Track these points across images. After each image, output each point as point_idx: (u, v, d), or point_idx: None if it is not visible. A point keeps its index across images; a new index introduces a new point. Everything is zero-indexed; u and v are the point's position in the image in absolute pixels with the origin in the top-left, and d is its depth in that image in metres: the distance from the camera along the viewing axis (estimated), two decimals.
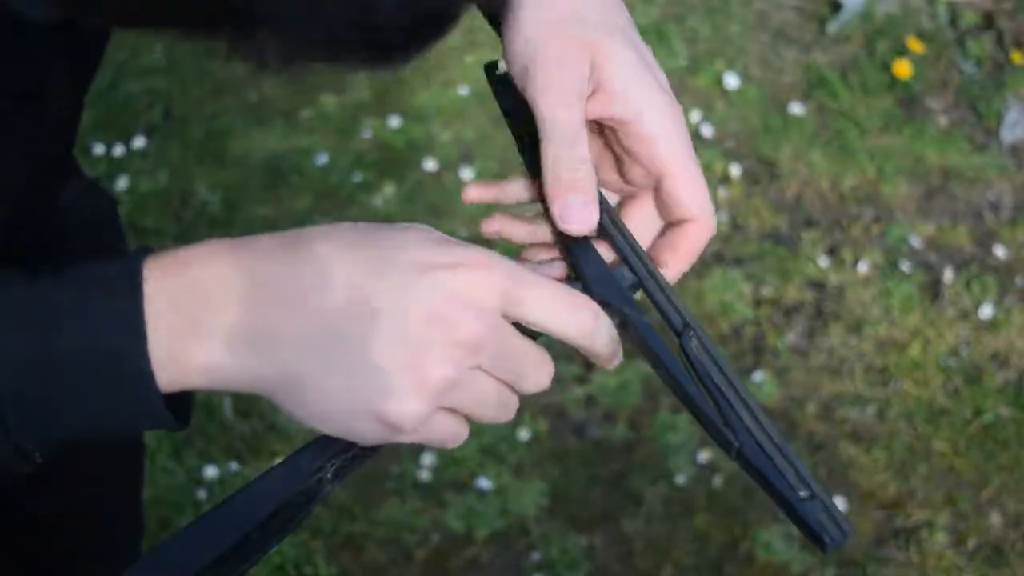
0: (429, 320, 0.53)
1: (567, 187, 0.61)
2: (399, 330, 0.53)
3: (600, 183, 0.64)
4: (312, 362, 0.53)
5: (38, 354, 0.50)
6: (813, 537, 0.55)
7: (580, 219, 0.61)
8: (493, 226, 0.66)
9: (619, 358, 0.61)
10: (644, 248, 0.65)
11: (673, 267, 0.64)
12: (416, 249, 0.54)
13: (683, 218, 0.64)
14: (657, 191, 0.64)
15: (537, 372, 0.57)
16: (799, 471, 0.57)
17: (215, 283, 0.52)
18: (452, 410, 0.56)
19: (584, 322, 0.57)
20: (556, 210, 0.61)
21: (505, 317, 0.55)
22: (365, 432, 0.55)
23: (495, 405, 0.57)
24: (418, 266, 0.54)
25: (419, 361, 0.53)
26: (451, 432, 0.57)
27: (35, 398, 0.51)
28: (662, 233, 0.66)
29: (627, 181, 0.66)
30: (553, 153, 0.61)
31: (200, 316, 0.52)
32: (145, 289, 0.51)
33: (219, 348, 0.52)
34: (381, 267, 0.53)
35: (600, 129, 0.66)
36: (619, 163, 0.66)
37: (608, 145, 0.66)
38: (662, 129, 0.62)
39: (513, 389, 0.58)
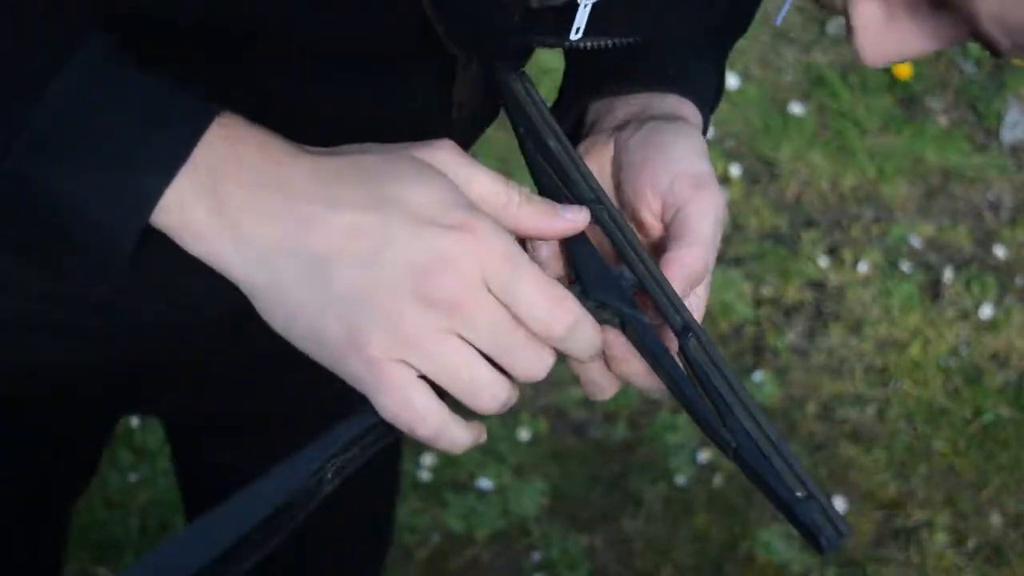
0: (411, 272, 0.54)
1: (688, 284, 0.63)
2: (381, 273, 0.54)
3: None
4: (296, 278, 0.55)
5: (88, 111, 0.53)
6: (810, 538, 0.55)
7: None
8: None
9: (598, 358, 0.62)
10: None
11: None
12: (425, 200, 0.55)
13: (687, 242, 0.66)
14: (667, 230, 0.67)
15: (524, 356, 0.57)
16: (796, 472, 0.57)
17: (253, 171, 0.55)
18: (429, 382, 0.56)
19: (559, 323, 0.57)
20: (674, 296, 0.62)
21: (488, 289, 0.56)
22: (327, 354, 0.56)
23: (467, 379, 0.56)
24: (419, 218, 0.55)
25: (392, 305, 0.54)
26: (425, 408, 0.56)
27: (56, 139, 0.53)
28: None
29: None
30: (696, 258, 0.63)
31: (224, 190, 0.54)
32: (204, 137, 0.54)
33: (224, 228, 0.55)
34: (384, 209, 0.55)
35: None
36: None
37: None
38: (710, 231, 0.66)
39: (504, 372, 0.57)
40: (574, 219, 0.61)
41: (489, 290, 0.56)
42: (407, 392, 0.55)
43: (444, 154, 0.58)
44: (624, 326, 0.61)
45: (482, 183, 0.58)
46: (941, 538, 1.87)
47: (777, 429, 0.58)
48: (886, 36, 0.53)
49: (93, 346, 0.79)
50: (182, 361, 0.83)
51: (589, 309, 0.60)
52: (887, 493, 1.93)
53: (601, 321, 0.61)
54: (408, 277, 0.54)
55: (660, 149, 0.66)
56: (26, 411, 0.84)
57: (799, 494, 0.56)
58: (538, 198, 0.61)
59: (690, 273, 0.63)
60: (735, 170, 2.39)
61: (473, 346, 0.56)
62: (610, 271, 0.62)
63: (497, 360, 0.57)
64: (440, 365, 0.55)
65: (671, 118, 0.68)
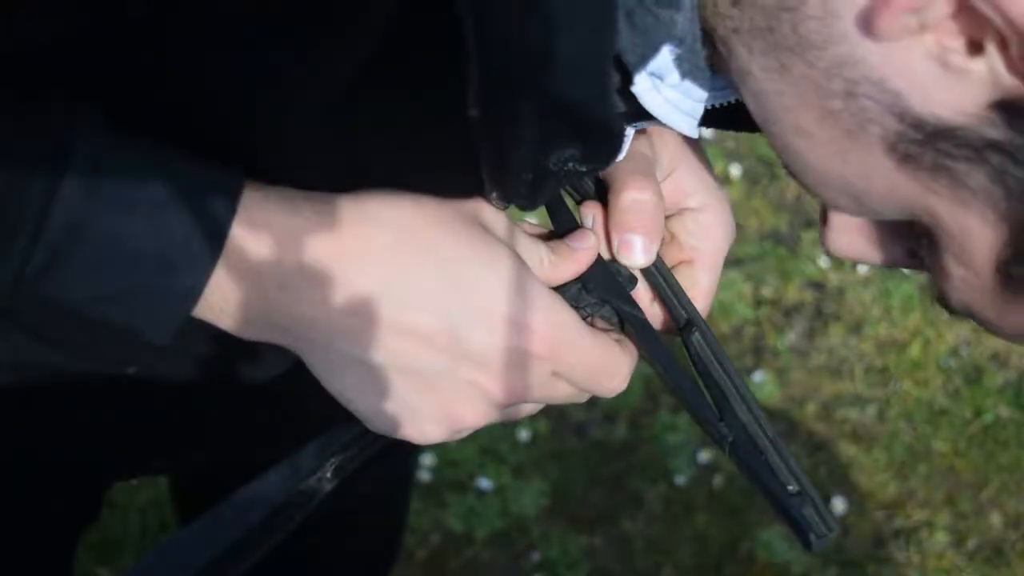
0: (475, 378, 0.55)
1: (633, 227, 0.62)
2: (445, 374, 0.55)
3: None
4: (356, 375, 0.55)
5: (112, 225, 0.49)
6: (799, 533, 0.56)
7: (637, 256, 0.63)
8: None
9: None
10: None
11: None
12: (489, 293, 0.55)
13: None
14: (674, 268, 0.68)
15: (567, 400, 0.60)
16: (791, 468, 0.57)
17: (302, 264, 0.53)
18: None
19: (613, 389, 0.60)
20: (615, 243, 0.62)
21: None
22: (377, 429, 0.57)
23: (508, 419, 0.60)
24: (485, 316, 0.55)
25: (453, 408, 0.56)
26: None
27: (83, 253, 0.50)
28: None
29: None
30: (632, 197, 0.62)
31: (267, 271, 0.53)
32: (235, 220, 0.51)
33: (277, 330, 0.54)
34: (448, 304, 0.55)
35: None
36: None
37: None
38: (718, 225, 0.67)
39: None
40: (588, 247, 0.62)
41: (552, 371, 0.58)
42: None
43: (489, 214, 0.58)
44: (623, 323, 0.62)
45: (521, 248, 0.59)
46: (941, 538, 1.87)
47: (773, 426, 0.59)
48: (853, 242, 0.55)
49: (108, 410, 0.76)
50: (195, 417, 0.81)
51: (589, 305, 0.61)
52: (887, 493, 1.93)
53: (600, 317, 0.61)
54: (472, 385, 0.55)
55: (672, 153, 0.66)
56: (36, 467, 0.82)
57: (791, 488, 0.56)
58: (556, 245, 0.62)
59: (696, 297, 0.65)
60: (735, 170, 2.39)
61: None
62: (608, 268, 0.62)
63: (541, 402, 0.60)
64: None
65: None
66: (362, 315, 0.53)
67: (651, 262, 0.63)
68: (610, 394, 0.60)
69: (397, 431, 0.56)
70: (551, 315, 0.56)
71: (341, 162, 0.57)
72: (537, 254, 0.60)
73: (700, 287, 0.66)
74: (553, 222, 0.64)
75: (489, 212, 0.58)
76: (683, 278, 0.66)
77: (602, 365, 0.59)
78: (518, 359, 0.55)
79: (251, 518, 0.55)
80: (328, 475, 0.57)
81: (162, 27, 0.49)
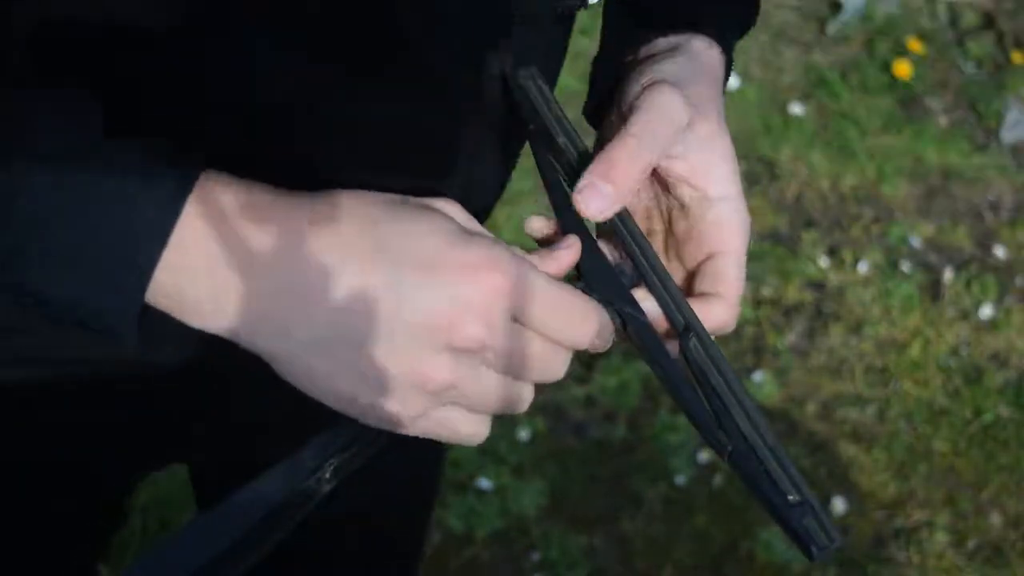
0: (430, 326, 0.53)
1: (606, 176, 0.62)
2: (400, 333, 0.53)
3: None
4: (318, 357, 0.53)
5: (66, 204, 0.49)
6: (800, 544, 0.55)
7: (597, 205, 0.62)
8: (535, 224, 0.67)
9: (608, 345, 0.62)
10: None
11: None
12: (426, 244, 0.54)
13: (716, 294, 0.67)
14: (698, 267, 0.68)
15: (547, 366, 0.58)
16: (792, 477, 0.56)
17: (246, 239, 0.52)
18: (457, 405, 0.56)
19: (586, 337, 0.58)
20: (581, 182, 0.62)
21: (512, 319, 0.56)
22: (364, 418, 0.56)
23: (500, 400, 0.57)
24: (425, 265, 0.54)
25: (418, 366, 0.53)
26: (457, 428, 0.57)
27: (40, 243, 0.49)
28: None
29: (669, 258, 0.70)
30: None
31: (218, 264, 0.52)
32: (183, 212, 0.50)
33: (224, 308, 0.52)
34: (388, 262, 0.53)
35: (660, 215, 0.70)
36: (667, 241, 0.70)
37: (666, 225, 0.70)
38: (738, 218, 0.69)
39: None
40: (568, 245, 0.61)
41: (514, 318, 0.55)
42: (453, 428, 0.57)
43: (446, 203, 0.57)
44: (625, 325, 0.62)
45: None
46: (941, 538, 1.87)
47: (774, 433, 0.58)
48: None
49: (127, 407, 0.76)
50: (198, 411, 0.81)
51: None
52: (887, 493, 1.93)
53: None
54: (429, 334, 0.53)
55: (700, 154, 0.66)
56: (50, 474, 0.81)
57: (791, 498, 0.56)
58: (538, 250, 0.61)
59: (717, 327, 0.65)
60: None
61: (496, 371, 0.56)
62: (611, 269, 0.62)
63: (519, 378, 0.57)
64: (479, 397, 0.56)
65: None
66: (318, 297, 0.53)
67: (606, 217, 0.62)
68: (588, 340, 0.58)
69: (372, 414, 0.55)
70: (513, 265, 0.55)
71: (338, 160, 0.57)
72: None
73: (728, 278, 0.66)
74: (559, 219, 0.64)
75: (462, 213, 0.57)
76: (708, 273, 0.66)
77: (571, 306, 0.57)
78: (483, 303, 0.54)
79: (251, 518, 0.55)
80: (327, 475, 0.57)
81: (162, 27, 0.49)
